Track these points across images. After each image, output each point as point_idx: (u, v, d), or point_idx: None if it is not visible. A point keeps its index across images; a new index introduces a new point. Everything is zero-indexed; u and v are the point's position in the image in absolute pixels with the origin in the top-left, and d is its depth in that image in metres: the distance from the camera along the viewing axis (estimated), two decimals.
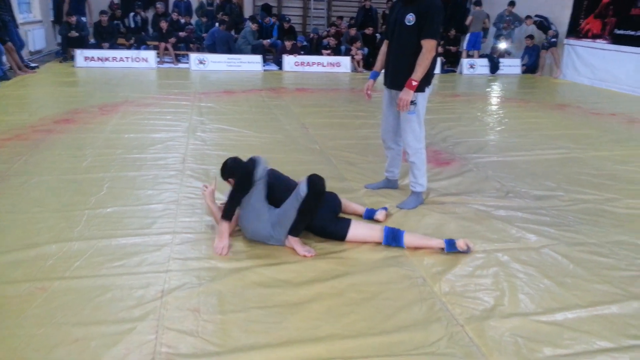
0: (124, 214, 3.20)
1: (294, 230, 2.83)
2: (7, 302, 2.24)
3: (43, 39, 10.98)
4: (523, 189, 4.02)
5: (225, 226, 2.81)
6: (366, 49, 11.29)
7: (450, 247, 2.86)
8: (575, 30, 10.64)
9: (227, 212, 2.82)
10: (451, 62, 11.77)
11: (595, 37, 10.13)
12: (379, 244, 2.93)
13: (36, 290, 2.33)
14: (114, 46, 10.45)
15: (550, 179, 4.26)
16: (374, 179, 4.07)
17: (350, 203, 3.39)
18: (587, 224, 3.37)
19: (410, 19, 3.25)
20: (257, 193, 2.88)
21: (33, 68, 8.83)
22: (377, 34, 11.97)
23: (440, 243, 2.89)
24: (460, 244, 2.85)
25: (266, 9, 13.59)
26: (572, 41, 10.71)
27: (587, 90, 9.55)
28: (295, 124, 5.88)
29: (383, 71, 3.65)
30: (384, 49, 3.63)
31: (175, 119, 5.80)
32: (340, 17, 12.97)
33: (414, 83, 3.24)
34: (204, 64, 10.05)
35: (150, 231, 2.98)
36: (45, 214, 3.13)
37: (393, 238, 2.92)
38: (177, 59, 10.84)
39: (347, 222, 2.98)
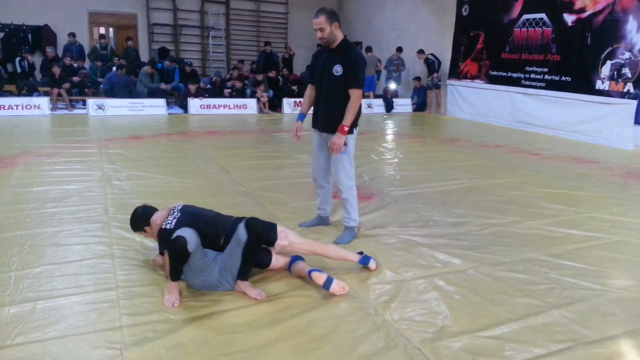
0: (55, 272, 3.00)
1: (243, 275, 2.86)
2: None
3: None
4: (439, 217, 4.40)
5: (174, 284, 2.76)
6: (271, 92, 11.60)
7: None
8: (455, 72, 11.88)
9: (174, 275, 2.75)
10: None
11: (473, 77, 11.39)
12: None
13: None
14: (0, 94, 9.65)
15: (460, 207, 4.70)
16: (305, 217, 4.22)
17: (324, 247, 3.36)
18: (500, 245, 3.79)
19: (337, 69, 3.51)
20: (194, 253, 2.76)
21: None
22: (279, 77, 12.37)
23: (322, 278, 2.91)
24: (316, 277, 2.89)
25: (163, 52, 13.48)
26: (453, 81, 11.92)
27: (471, 125, 10.63)
28: (215, 167, 5.87)
29: (311, 113, 3.86)
30: (309, 92, 3.85)
31: (85, 168, 5.52)
32: (242, 61, 13.22)
33: (346, 128, 3.48)
34: (103, 109, 9.65)
35: (90, 288, 2.83)
36: None
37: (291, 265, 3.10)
38: (72, 104, 10.28)
39: (269, 254, 3.10)
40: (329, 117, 3.61)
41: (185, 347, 2.33)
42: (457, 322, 2.66)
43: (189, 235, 2.65)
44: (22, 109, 9.18)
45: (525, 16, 10.02)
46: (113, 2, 13.98)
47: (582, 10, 8.85)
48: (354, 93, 3.50)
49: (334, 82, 3.55)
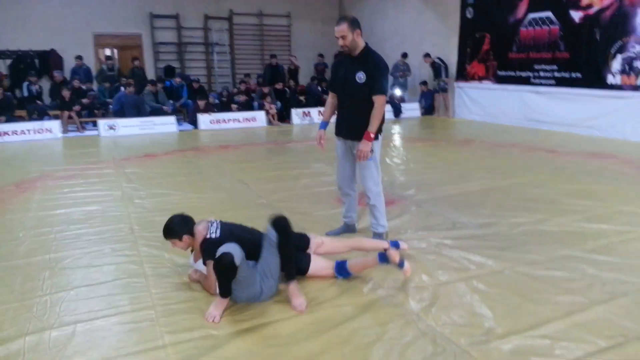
0: (90, 294, 2.98)
1: (289, 275, 2.88)
2: None
3: None
4: (465, 219, 4.35)
5: (224, 301, 2.72)
6: (279, 103, 11.62)
7: (383, 259, 3.04)
8: (462, 74, 11.86)
9: (225, 291, 2.71)
10: None
11: (481, 79, 11.37)
12: (333, 276, 3.12)
13: None
14: (10, 119, 9.72)
15: (484, 208, 4.66)
16: (330, 226, 4.18)
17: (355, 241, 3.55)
18: (532, 244, 3.73)
19: (361, 77, 3.50)
20: (240, 267, 2.73)
21: None
22: (286, 89, 12.39)
23: (375, 259, 3.06)
24: (392, 255, 2.99)
25: (169, 70, 13.56)
26: (461, 84, 11.90)
27: (482, 126, 10.59)
28: (233, 181, 5.86)
29: (333, 122, 3.84)
30: (330, 100, 3.84)
31: (104, 188, 5.52)
32: (248, 74, 13.27)
33: (372, 135, 3.47)
34: (114, 129, 9.69)
35: (127, 308, 2.80)
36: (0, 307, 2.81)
37: (341, 269, 3.10)
38: (83, 126, 10.34)
39: (308, 256, 3.11)
40: (353, 125, 3.60)
41: None
42: (502, 324, 2.61)
43: (234, 249, 2.63)
44: (34, 133, 9.24)
45: (531, 15, 10.00)
46: (118, 24, 14.10)
47: (589, 6, 8.83)
48: (378, 99, 3.48)
49: (357, 90, 3.54)
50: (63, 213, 4.60)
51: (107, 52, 14.26)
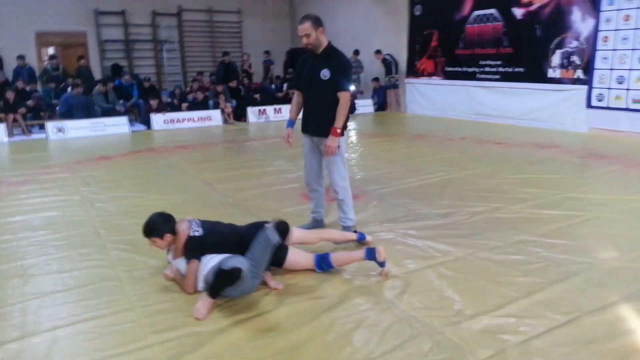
0: (65, 299, 2.94)
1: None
2: None
3: None
4: (426, 210, 4.56)
5: (211, 302, 2.76)
6: (234, 101, 11.56)
7: (370, 255, 3.17)
8: (412, 70, 12.23)
9: (215, 294, 2.76)
10: None
11: (430, 75, 11.76)
12: (312, 270, 3.22)
13: None
14: None
15: (443, 199, 4.89)
16: (298, 222, 4.23)
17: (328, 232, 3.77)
18: (490, 230, 3.98)
19: (325, 74, 3.61)
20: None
21: None
22: (240, 87, 12.34)
23: (361, 254, 3.21)
24: (380, 251, 3.15)
25: (116, 69, 13.19)
26: (411, 80, 12.27)
27: (433, 121, 10.97)
28: (195, 181, 5.84)
29: (299, 119, 3.94)
30: (296, 98, 3.94)
31: (62, 193, 5.37)
32: (201, 72, 13.10)
33: (338, 131, 3.59)
34: (63, 132, 9.36)
35: (106, 312, 2.79)
36: None
37: (322, 262, 3.21)
38: (28, 129, 9.91)
39: (285, 248, 3.19)
40: (319, 121, 3.71)
41: (220, 357, 2.36)
42: (470, 306, 2.80)
43: (242, 263, 2.71)
44: None
45: (476, 12, 10.45)
46: (61, 21, 13.54)
47: (530, 3, 9.33)
48: (343, 96, 3.60)
49: (322, 87, 3.64)
50: (22, 220, 4.46)
51: (51, 50, 13.66)
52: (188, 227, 3.03)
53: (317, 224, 4.17)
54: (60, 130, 9.33)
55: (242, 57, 14.27)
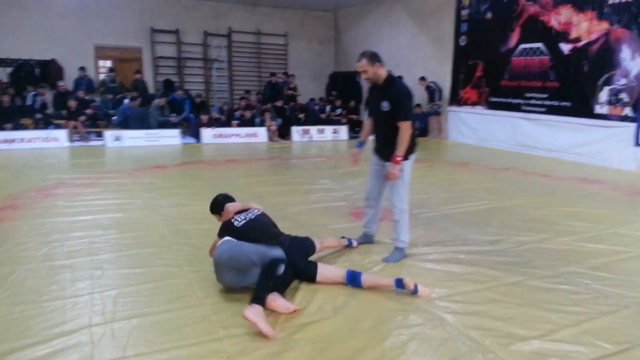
0: (141, 293, 3.19)
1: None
2: None
3: None
4: (473, 236, 4.66)
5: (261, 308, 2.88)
6: (279, 120, 11.94)
7: (399, 285, 3.30)
8: (456, 99, 12.36)
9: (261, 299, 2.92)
10: (355, 129, 12.88)
11: (474, 104, 11.87)
12: (342, 284, 3.38)
13: None
14: (17, 127, 9.84)
15: (490, 226, 4.99)
16: (349, 237, 4.46)
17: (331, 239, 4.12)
18: (538, 260, 4.06)
19: (384, 105, 3.83)
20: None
21: None
22: (285, 107, 12.73)
23: (390, 282, 3.34)
24: (408, 282, 3.28)
25: (168, 84, 13.81)
26: (454, 108, 12.39)
27: (475, 150, 11.03)
28: (247, 193, 6.11)
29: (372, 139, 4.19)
30: (367, 122, 4.22)
31: (125, 197, 5.72)
32: (248, 91, 13.58)
33: (398, 159, 3.79)
34: (120, 140, 9.87)
35: (179, 306, 3.03)
36: (57, 302, 3.02)
37: (353, 279, 3.38)
38: (86, 136, 10.49)
39: (315, 264, 3.45)
40: (384, 147, 3.97)
41: (284, 356, 2.54)
42: (521, 329, 2.90)
43: (281, 255, 3.04)
44: (42, 141, 9.39)
45: (522, 46, 10.55)
46: (119, 37, 14.36)
47: (578, 39, 9.39)
48: (403, 125, 3.78)
49: (383, 116, 3.88)
50: (92, 219, 4.80)
51: (108, 63, 14.43)
52: (235, 211, 3.53)
53: (366, 238, 4.35)
54: (117, 138, 9.85)
55: (287, 78, 14.70)
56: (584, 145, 9.31)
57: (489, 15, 11.30)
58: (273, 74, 13.66)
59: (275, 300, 3.01)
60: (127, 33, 14.46)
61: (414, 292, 3.28)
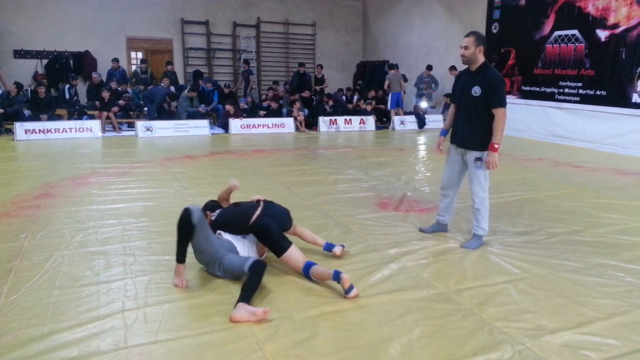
0: (169, 280, 3.26)
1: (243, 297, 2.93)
2: None
3: None
4: (504, 227, 4.59)
5: (180, 266, 3.20)
6: (306, 110, 11.95)
7: (336, 277, 3.09)
8: None
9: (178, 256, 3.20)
10: (382, 120, 12.79)
11: (506, 93, 11.58)
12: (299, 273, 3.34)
13: (134, 356, 2.39)
14: (52, 117, 10.14)
15: (521, 218, 4.90)
16: (374, 228, 4.47)
17: (312, 234, 3.84)
18: (570, 252, 3.97)
19: (477, 90, 3.78)
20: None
21: None
22: (313, 97, 12.73)
23: (330, 273, 3.13)
24: (345, 280, 3.05)
25: (197, 74, 13.95)
26: None
27: (506, 140, 10.68)
28: (274, 183, 6.16)
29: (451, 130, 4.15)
30: (452, 110, 4.18)
31: (156, 186, 5.84)
32: (276, 82, 13.62)
33: (496, 146, 3.76)
34: (151, 130, 10.07)
35: (212, 291, 3.13)
36: (92, 287, 3.12)
37: (307, 270, 3.26)
38: (119, 127, 10.73)
39: (289, 243, 3.38)
40: (466, 134, 3.92)
41: (309, 342, 2.57)
42: (551, 321, 2.86)
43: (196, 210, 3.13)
44: (76, 131, 9.65)
45: (557, 32, 10.25)
46: (150, 28, 14.59)
47: (616, 25, 9.07)
48: (498, 112, 3.74)
49: (473, 103, 3.83)
50: (125, 207, 4.92)
51: (139, 55, 14.69)
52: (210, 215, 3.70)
53: (440, 227, 4.38)
54: (148, 129, 10.04)
55: (316, 68, 14.67)
56: (619, 136, 9.02)
57: (522, 1, 11.01)
58: (302, 64, 13.64)
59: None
60: (158, 25, 14.68)
61: (347, 292, 3.05)
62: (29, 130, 9.30)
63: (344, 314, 2.89)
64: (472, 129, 3.86)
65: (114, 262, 3.54)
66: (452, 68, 12.22)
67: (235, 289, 3.12)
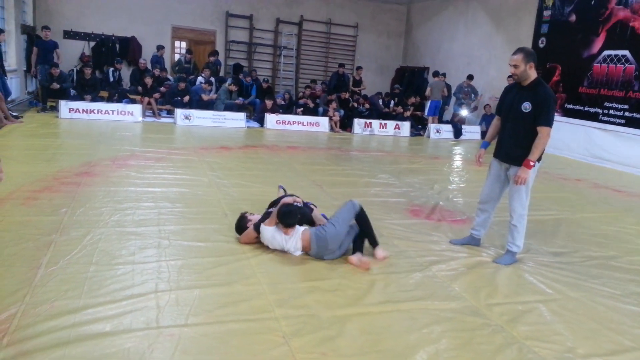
0: (204, 265, 3.33)
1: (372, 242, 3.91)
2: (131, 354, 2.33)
3: (17, 88, 10.77)
4: (538, 246, 4.49)
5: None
6: (342, 111, 11.95)
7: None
8: None
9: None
10: (417, 126, 12.68)
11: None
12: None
13: (164, 337, 2.43)
14: (95, 98, 10.43)
15: (557, 238, 4.78)
16: (404, 235, 4.44)
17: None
18: (606, 277, 3.86)
19: (526, 106, 3.69)
20: None
21: (17, 117, 8.65)
22: (350, 98, 12.72)
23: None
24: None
25: (237, 68, 14.13)
26: None
27: (545, 157, 10.29)
28: (307, 181, 6.18)
29: (495, 142, 4.09)
30: (496, 122, 4.11)
31: (191, 173, 5.94)
32: (314, 80, 13.67)
33: (532, 163, 3.70)
34: (189, 119, 10.24)
35: (238, 281, 3.15)
36: (127, 266, 3.20)
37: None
38: (159, 113, 10.95)
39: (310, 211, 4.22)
40: (511, 150, 3.84)
41: (335, 342, 2.57)
42: (582, 345, 2.79)
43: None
44: (117, 114, 9.90)
45: (606, 52, 9.97)
46: (195, 19, 14.84)
47: None
48: (543, 130, 3.65)
49: (521, 118, 3.73)
50: (160, 191, 5.02)
51: (183, 44, 14.96)
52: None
53: (472, 240, 4.32)
54: (186, 117, 10.22)
55: (355, 70, 14.64)
56: None
57: (572, 17, 10.75)
58: (342, 65, 13.64)
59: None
60: (203, 15, 14.92)
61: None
62: (73, 109, 9.59)
63: (371, 317, 2.89)
64: (519, 144, 3.77)
65: (149, 244, 3.62)
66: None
67: (265, 281, 3.16)
